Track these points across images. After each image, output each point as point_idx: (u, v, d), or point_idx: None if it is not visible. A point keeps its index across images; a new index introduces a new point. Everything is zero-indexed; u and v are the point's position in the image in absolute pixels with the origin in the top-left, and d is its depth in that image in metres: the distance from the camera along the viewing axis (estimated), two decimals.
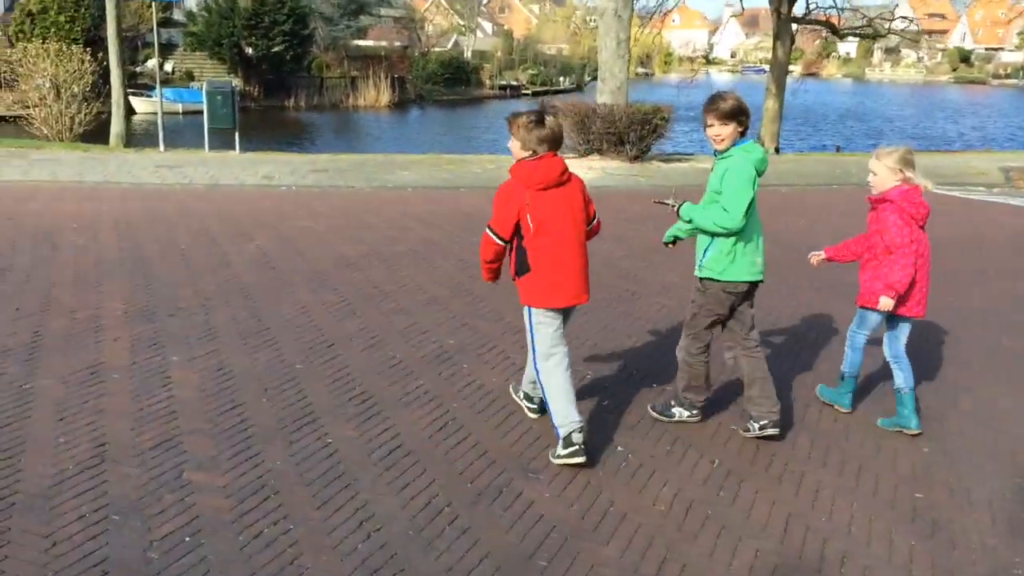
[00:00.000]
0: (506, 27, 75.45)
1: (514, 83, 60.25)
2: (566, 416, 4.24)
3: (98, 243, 8.58)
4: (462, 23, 70.63)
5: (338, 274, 7.71)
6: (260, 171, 13.74)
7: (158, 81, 17.53)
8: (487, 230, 4.30)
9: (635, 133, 15.19)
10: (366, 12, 54.01)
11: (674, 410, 4.81)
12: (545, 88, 62.01)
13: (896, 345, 4.84)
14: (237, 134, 16.47)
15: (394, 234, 9.51)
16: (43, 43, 38.34)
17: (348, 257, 8.34)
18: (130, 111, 38.82)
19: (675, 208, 4.48)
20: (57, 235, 8.84)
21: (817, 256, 5.07)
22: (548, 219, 4.17)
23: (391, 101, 51.76)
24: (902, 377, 4.79)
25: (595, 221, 4.46)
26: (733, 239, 4.30)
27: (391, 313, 6.64)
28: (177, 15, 53.07)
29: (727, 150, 4.28)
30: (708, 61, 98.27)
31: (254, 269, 7.79)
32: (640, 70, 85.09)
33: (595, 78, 64.58)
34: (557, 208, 4.19)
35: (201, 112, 41.99)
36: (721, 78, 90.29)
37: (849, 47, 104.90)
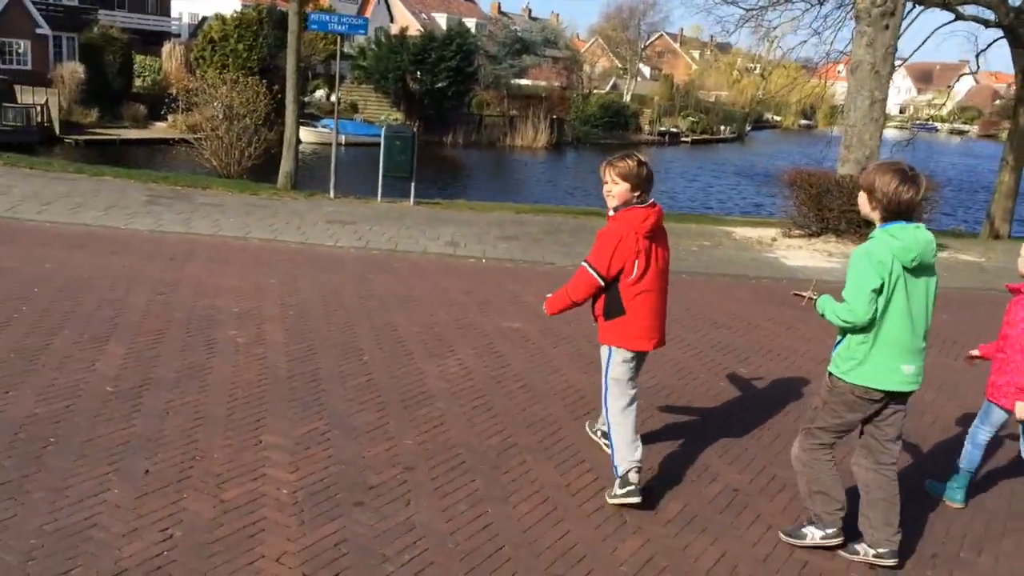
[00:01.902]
0: (665, 72, 72.86)
1: (673, 129, 57.61)
2: (627, 455, 4.31)
3: (263, 343, 6.56)
4: (621, 67, 68.59)
5: (589, 439, 5.37)
6: (441, 234, 11.70)
7: (336, 115, 15.98)
8: (587, 267, 4.28)
9: None
10: (530, 52, 52.65)
11: (804, 530, 4.12)
12: (705, 136, 59.10)
13: None
14: (413, 185, 14.59)
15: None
16: (221, 71, 38.80)
17: (587, 394, 6.00)
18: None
19: (813, 301, 4.02)
20: (215, 324, 6.89)
21: (972, 353, 4.76)
22: (654, 266, 4.27)
23: (548, 142, 50.09)
24: None
25: None
26: (864, 335, 3.71)
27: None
28: (347, 48, 53.25)
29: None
30: None
31: (466, 416, 5.54)
32: (803, 122, 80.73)
33: (757, 127, 61.61)
34: (655, 254, 4.28)
35: (364, 144, 41.33)
36: (888, 134, 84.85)
37: None
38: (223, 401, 5.39)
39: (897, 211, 3.59)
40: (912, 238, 3.58)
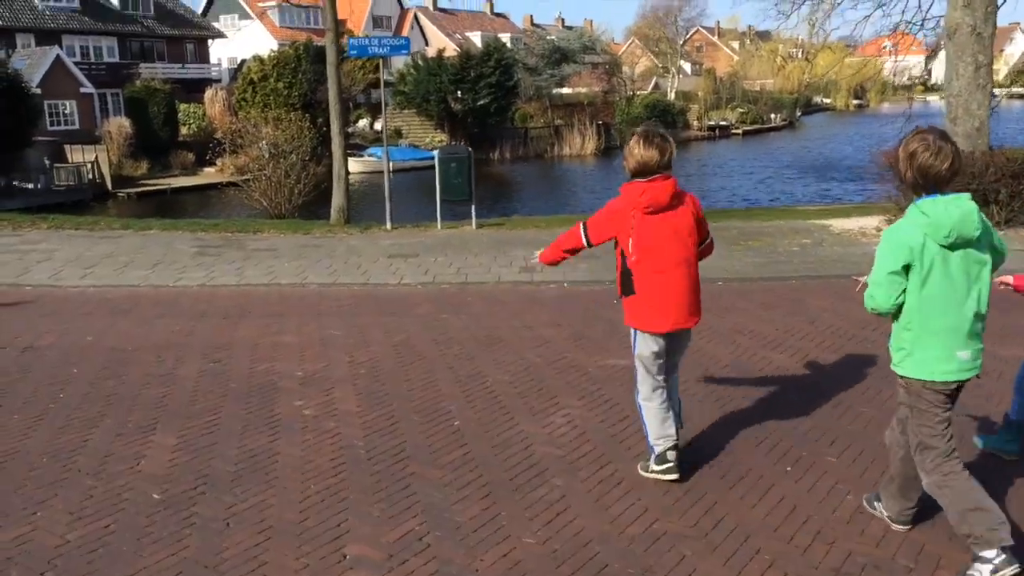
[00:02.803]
0: (706, 66, 71.16)
1: (723, 123, 55.95)
2: (660, 433, 4.33)
3: (334, 414, 5.53)
4: (661, 66, 67.17)
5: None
6: (513, 259, 10.62)
7: (385, 141, 14.94)
8: (582, 225, 4.33)
9: (1006, 190, 10.92)
10: (569, 60, 51.61)
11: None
12: (756, 126, 57.31)
13: None
14: (474, 208, 13.56)
15: (761, 387, 5.93)
16: (264, 110, 38.48)
17: (736, 449, 4.83)
18: None
19: (867, 286, 3.54)
20: (277, 394, 5.90)
21: (1004, 280, 3.98)
22: (654, 244, 4.13)
23: (597, 148, 48.93)
24: None
25: (707, 241, 4.37)
26: (908, 323, 3.39)
27: None
28: (386, 75, 52.88)
29: None
30: (926, 88, 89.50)
31: (592, 495, 4.41)
32: (855, 101, 78.19)
33: (807, 112, 59.46)
34: (664, 232, 4.12)
35: (413, 169, 40.69)
36: (940, 104, 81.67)
37: None
38: (294, 500, 4.35)
39: (924, 184, 3.31)
40: (944, 213, 3.24)
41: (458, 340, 7.20)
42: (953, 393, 3.47)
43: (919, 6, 20.01)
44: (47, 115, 37.91)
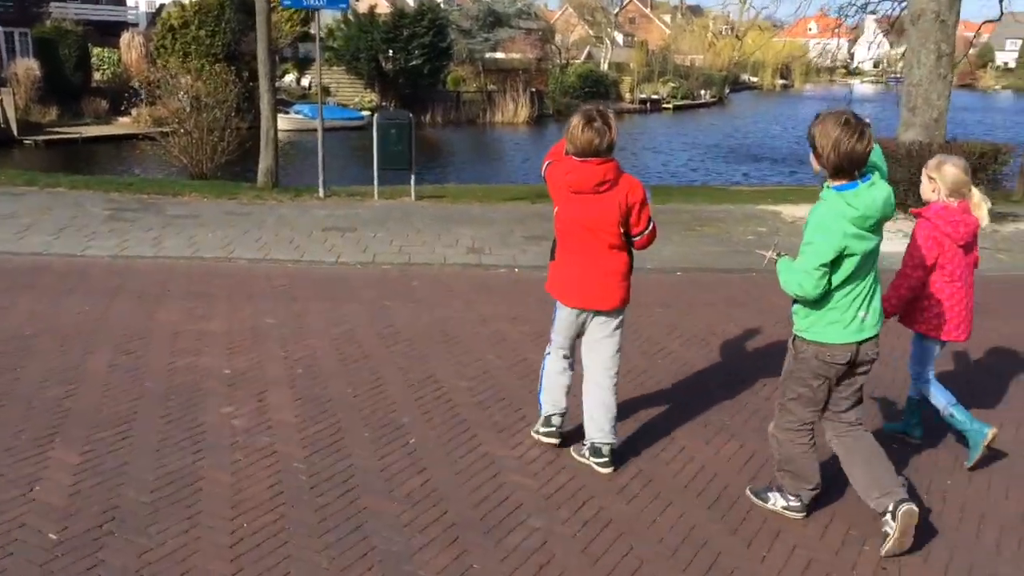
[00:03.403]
0: (638, 38, 70.83)
1: (654, 96, 55.73)
2: (551, 398, 4.51)
3: (269, 426, 4.77)
4: (594, 35, 66.54)
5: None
6: (459, 237, 9.89)
7: (320, 102, 13.86)
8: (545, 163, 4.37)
9: None
10: (504, 24, 50.45)
11: (770, 494, 3.97)
12: (687, 102, 57.31)
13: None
14: (413, 178, 12.72)
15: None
16: (184, 60, 36.43)
17: (732, 484, 4.28)
18: None
19: (774, 260, 3.71)
20: (202, 397, 5.09)
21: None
22: (575, 222, 4.11)
23: (529, 116, 48.09)
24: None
25: (647, 230, 4.19)
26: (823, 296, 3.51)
27: None
28: (314, 30, 50.84)
29: (823, 191, 3.46)
30: (849, 71, 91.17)
31: (578, 541, 3.79)
32: (780, 81, 79.06)
33: (735, 89, 59.62)
34: (587, 214, 4.08)
35: (342, 129, 39.19)
36: (863, 89, 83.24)
37: (1008, 56, 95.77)
38: (223, 544, 3.62)
39: (846, 165, 3.31)
40: (870, 203, 3.32)
41: (406, 334, 6.47)
42: (844, 364, 3.58)
43: None
44: None
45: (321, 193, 12.83)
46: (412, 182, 12.74)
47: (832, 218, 3.31)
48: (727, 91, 64.73)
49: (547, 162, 4.34)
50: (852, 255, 3.36)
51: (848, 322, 3.50)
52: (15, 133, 32.91)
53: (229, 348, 5.99)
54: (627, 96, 54.67)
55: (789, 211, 12.42)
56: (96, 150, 32.17)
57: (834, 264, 3.38)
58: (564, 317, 4.33)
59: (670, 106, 55.94)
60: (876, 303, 3.59)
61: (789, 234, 10.64)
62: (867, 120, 3.36)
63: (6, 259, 8.28)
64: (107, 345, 5.94)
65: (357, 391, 5.33)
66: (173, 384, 5.31)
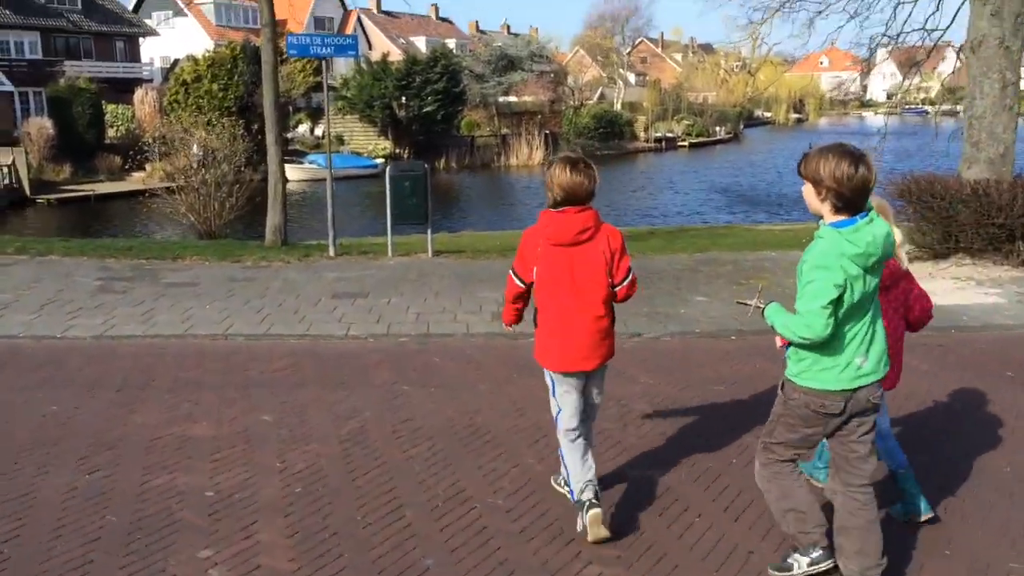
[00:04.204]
0: (651, 77, 70.42)
1: (669, 134, 55.02)
2: (581, 476, 4.01)
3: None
4: (607, 76, 66.15)
5: None
6: (481, 301, 8.85)
7: (329, 155, 12.94)
8: (511, 271, 4.10)
9: None
10: (517, 68, 50.03)
11: (790, 560, 3.56)
12: (702, 139, 56.55)
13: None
14: (430, 233, 11.75)
15: None
16: (196, 114, 36.01)
17: None
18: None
19: (760, 310, 3.49)
20: (175, 534, 4.03)
21: None
22: (558, 277, 3.89)
23: (544, 159, 47.32)
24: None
25: (627, 280, 4.00)
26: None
27: None
28: (328, 79, 50.56)
29: (821, 228, 3.23)
30: (862, 104, 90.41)
31: None
32: (794, 115, 78.32)
33: (749, 125, 59.14)
34: (570, 266, 3.88)
35: (355, 178, 38.57)
36: (876, 121, 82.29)
37: None
38: None
39: (854, 198, 3.11)
40: (871, 240, 3.13)
41: (428, 431, 5.41)
42: (839, 415, 3.35)
43: (894, 16, 18.71)
44: None
45: (331, 251, 11.87)
46: (429, 237, 11.76)
47: (831, 256, 3.12)
48: (742, 127, 64.04)
49: (514, 271, 4.10)
50: (851, 296, 3.17)
51: (843, 367, 3.27)
52: (27, 192, 32.45)
53: (215, 460, 4.94)
54: (642, 135, 54.05)
55: None
56: (109, 207, 31.62)
57: (842, 302, 3.17)
58: (567, 385, 4.04)
59: (686, 144, 55.25)
60: (877, 348, 3.34)
61: None
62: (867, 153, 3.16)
63: None
64: (69, 460, 4.90)
65: (368, 518, 4.25)
66: (142, 516, 4.26)
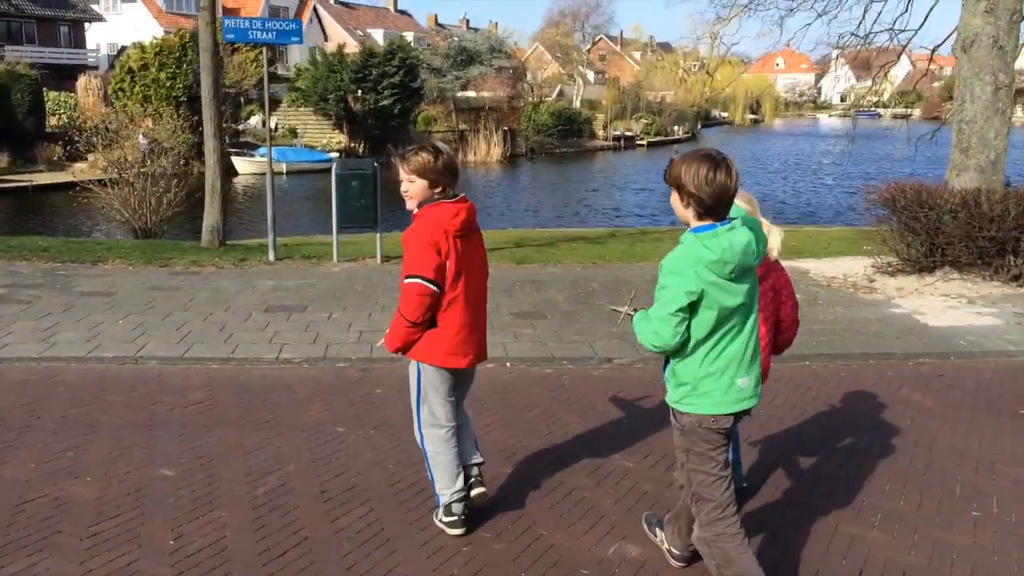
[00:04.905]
0: (609, 75, 69.85)
1: (628, 133, 54.43)
2: (449, 485, 3.90)
3: None
4: (566, 73, 65.39)
5: None
6: None
7: (270, 160, 11.85)
8: (414, 280, 3.61)
9: None
10: (476, 62, 48.96)
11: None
12: (660, 138, 56.06)
13: None
14: (379, 237, 10.72)
15: None
16: (143, 103, 34.34)
17: None
18: (231, 172, 34.30)
19: (630, 316, 3.36)
20: None
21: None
22: (464, 269, 3.71)
23: (503, 155, 46.49)
24: None
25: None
26: (689, 355, 3.13)
27: None
28: (281, 70, 48.91)
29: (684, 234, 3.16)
30: (816, 106, 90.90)
31: None
32: (750, 116, 78.39)
33: (707, 125, 58.90)
34: (472, 258, 3.78)
35: (308, 172, 37.22)
36: (831, 123, 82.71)
37: None
38: None
39: (715, 204, 3.03)
40: (727, 248, 3.01)
41: (363, 490, 4.44)
42: (729, 430, 3.22)
43: (863, 16, 18.09)
44: None
45: (271, 256, 10.79)
46: (379, 241, 10.74)
47: (687, 261, 3.05)
48: (699, 127, 63.76)
49: (421, 277, 3.63)
50: (711, 307, 3.05)
51: (725, 389, 3.14)
52: None
53: (92, 535, 3.90)
54: (600, 133, 53.38)
55: (815, 267, 10.57)
56: (47, 199, 29.92)
57: (693, 315, 3.07)
58: (445, 384, 3.86)
59: (644, 143, 54.68)
60: (756, 369, 3.24)
61: (831, 303, 8.76)
62: (730, 159, 3.08)
63: None
64: None
65: None
66: None
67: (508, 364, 6.71)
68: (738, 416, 3.24)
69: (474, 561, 3.80)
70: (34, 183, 31.72)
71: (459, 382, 3.97)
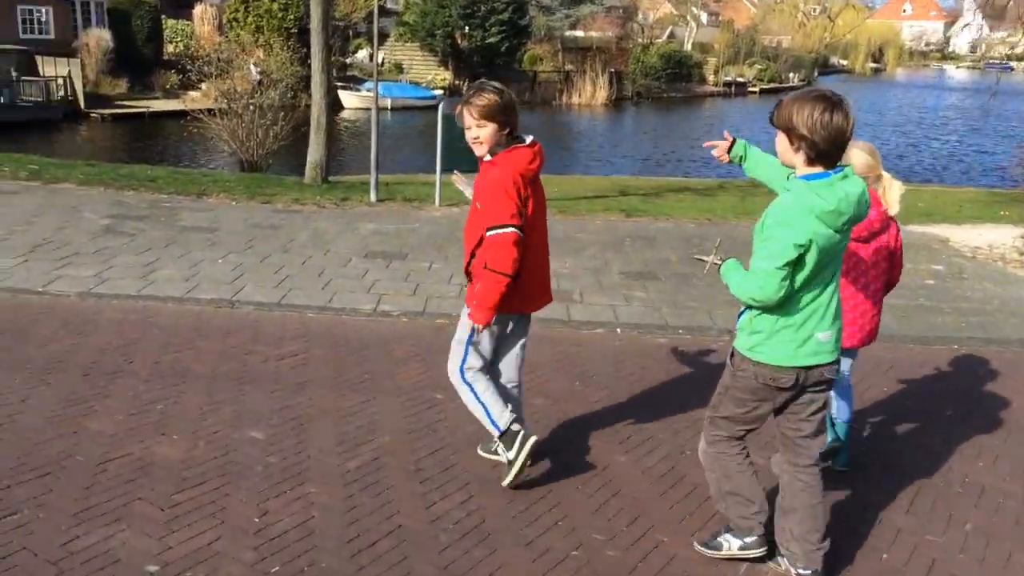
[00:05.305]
0: (724, 17, 66.82)
1: (740, 79, 52.08)
2: (503, 409, 3.70)
3: None
4: (678, 14, 62.82)
5: None
6: None
7: (376, 96, 11.50)
8: (504, 230, 3.41)
9: None
10: (586, 1, 47.36)
11: (720, 539, 3.38)
12: (773, 85, 53.47)
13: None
14: None
15: None
16: (256, 33, 34.54)
17: None
18: (337, 106, 34.30)
19: (716, 266, 3.19)
20: None
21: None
22: (536, 214, 3.59)
23: (608, 98, 45.13)
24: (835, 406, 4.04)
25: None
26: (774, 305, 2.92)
27: None
28: (390, 3, 48.52)
29: (790, 180, 3.00)
30: (943, 56, 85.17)
31: None
32: (871, 65, 74.04)
33: (824, 73, 55.58)
34: (540, 201, 3.64)
35: (413, 108, 37.05)
36: (958, 75, 77.41)
37: None
38: None
39: (828, 149, 2.81)
40: (843, 198, 2.81)
41: (464, 471, 4.02)
42: (790, 389, 3.05)
43: None
44: (19, 20, 33.89)
45: (372, 197, 10.45)
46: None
47: (796, 211, 2.80)
48: (816, 74, 60.55)
49: (508, 225, 3.43)
50: (813, 260, 2.83)
51: (802, 342, 2.95)
52: (82, 106, 31.56)
53: (174, 505, 3.61)
54: (711, 78, 51.25)
55: (956, 235, 9.56)
56: (161, 126, 30.58)
57: (797, 268, 2.84)
58: (506, 325, 3.75)
59: (756, 89, 52.29)
60: (839, 322, 3.04)
61: (977, 277, 7.84)
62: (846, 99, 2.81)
63: None
64: None
65: None
66: None
67: (618, 330, 6.18)
68: (810, 370, 3.01)
69: (585, 569, 3.33)
70: (150, 110, 32.45)
71: (518, 324, 3.81)
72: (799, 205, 2.82)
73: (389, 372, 5.18)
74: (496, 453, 3.95)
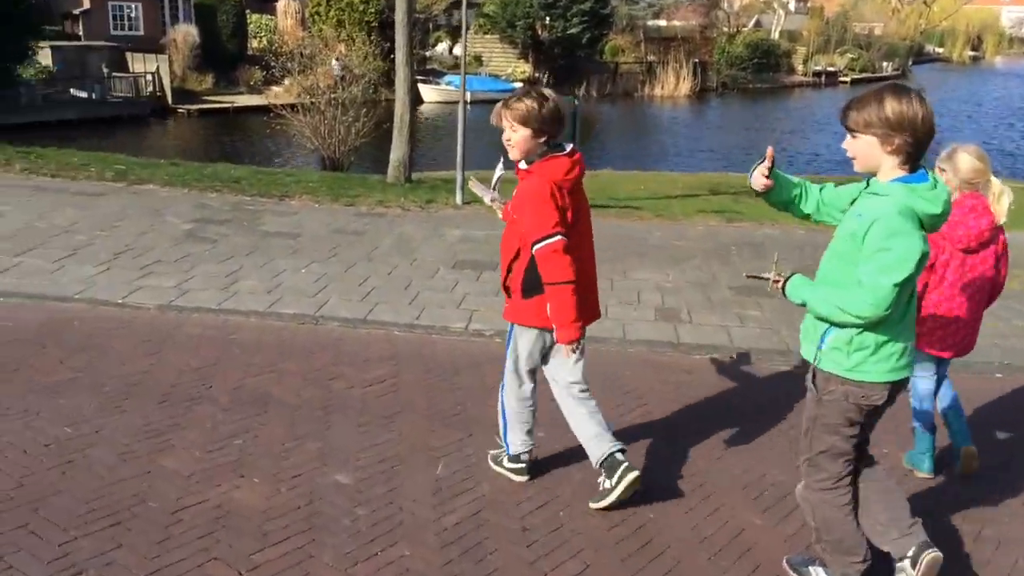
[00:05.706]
0: (814, 4, 64.53)
1: (830, 68, 50.18)
2: (525, 440, 3.82)
3: None
4: (764, 1, 60.93)
5: None
6: (638, 286, 6.84)
7: (463, 94, 11.08)
8: (549, 241, 3.33)
9: None
10: None
11: (811, 569, 3.15)
12: (866, 75, 51.34)
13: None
14: None
15: None
16: (338, 27, 34.66)
17: None
18: (417, 100, 34.16)
19: (778, 284, 2.93)
20: None
21: None
22: (578, 224, 3.47)
23: (691, 90, 44.02)
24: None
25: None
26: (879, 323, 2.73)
27: None
28: None
29: (874, 183, 2.72)
30: None
31: None
32: (970, 53, 70.61)
33: (919, 62, 53.08)
34: (583, 211, 3.53)
35: (493, 101, 36.92)
36: None
37: None
38: None
39: (916, 152, 2.64)
40: (946, 199, 2.66)
41: (577, 534, 3.51)
42: (876, 406, 2.88)
43: None
44: (110, 17, 34.76)
45: (458, 199, 10.04)
46: None
47: (908, 218, 2.60)
48: (910, 63, 57.95)
49: (554, 234, 3.33)
50: (920, 265, 2.65)
51: (899, 355, 2.79)
52: (170, 102, 32.17)
53: (252, 571, 3.20)
54: (800, 68, 49.54)
55: None
56: (244, 121, 30.95)
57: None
58: (540, 345, 3.63)
59: (847, 79, 50.33)
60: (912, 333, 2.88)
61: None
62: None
63: (16, 307, 5.87)
64: (45, 543, 3.28)
65: None
66: None
67: (735, 356, 5.58)
68: (898, 384, 2.85)
69: None
70: (234, 105, 32.92)
71: (551, 344, 3.65)
72: (907, 211, 2.62)
73: (483, 402, 4.71)
74: (502, 466, 3.91)
